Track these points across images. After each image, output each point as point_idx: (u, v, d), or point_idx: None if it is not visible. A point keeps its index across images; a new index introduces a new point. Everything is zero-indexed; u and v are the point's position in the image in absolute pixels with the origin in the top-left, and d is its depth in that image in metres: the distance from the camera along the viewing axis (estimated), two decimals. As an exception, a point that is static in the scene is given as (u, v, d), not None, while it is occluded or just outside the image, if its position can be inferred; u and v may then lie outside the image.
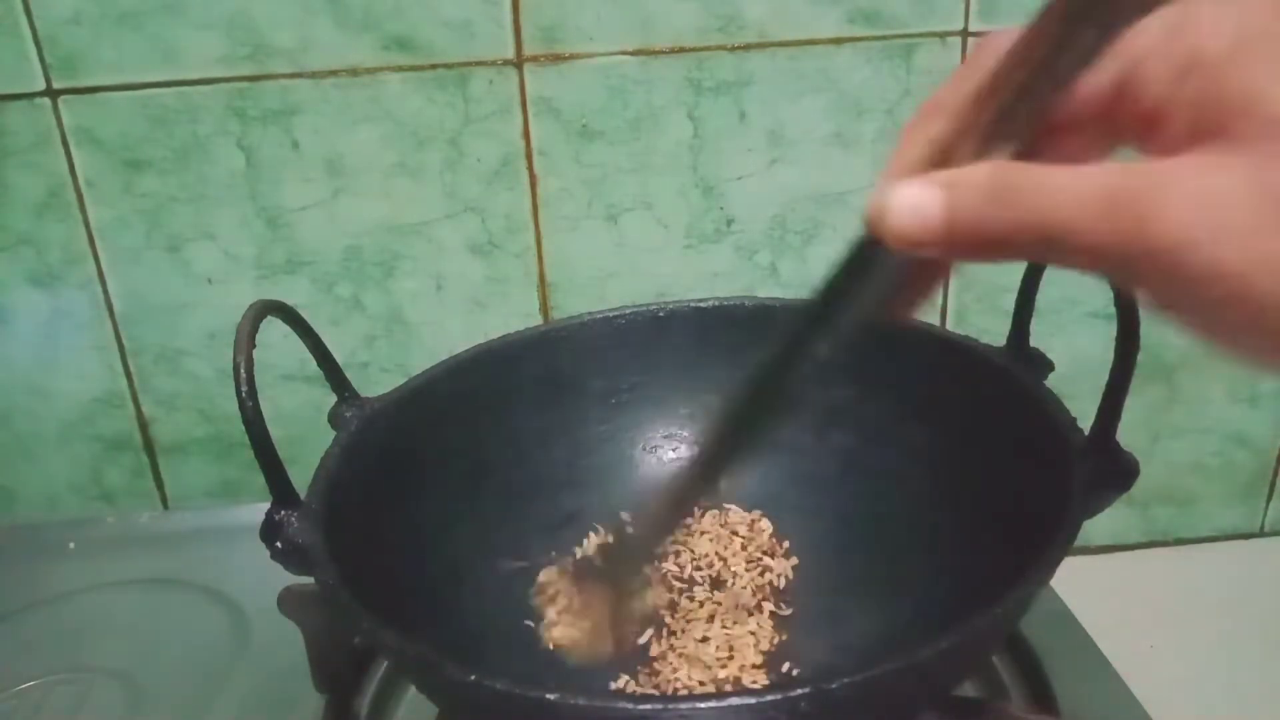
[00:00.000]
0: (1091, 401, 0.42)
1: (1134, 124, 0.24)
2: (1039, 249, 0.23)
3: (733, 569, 0.54)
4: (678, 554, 0.55)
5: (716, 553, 0.55)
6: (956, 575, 0.46)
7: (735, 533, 0.56)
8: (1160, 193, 0.21)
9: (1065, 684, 0.49)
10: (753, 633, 0.51)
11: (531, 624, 0.50)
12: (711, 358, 0.56)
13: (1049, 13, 0.23)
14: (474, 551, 0.51)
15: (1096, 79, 0.24)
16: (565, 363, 0.55)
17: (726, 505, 0.57)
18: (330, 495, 0.43)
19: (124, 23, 0.59)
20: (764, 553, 0.55)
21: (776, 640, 0.51)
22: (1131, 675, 0.50)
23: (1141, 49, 0.24)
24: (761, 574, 0.54)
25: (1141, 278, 0.22)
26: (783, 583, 0.54)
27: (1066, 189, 0.22)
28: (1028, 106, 0.24)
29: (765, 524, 0.56)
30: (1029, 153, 0.24)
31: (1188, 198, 0.21)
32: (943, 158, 0.25)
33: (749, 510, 0.57)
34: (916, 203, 0.24)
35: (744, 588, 0.53)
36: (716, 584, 0.54)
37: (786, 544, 0.55)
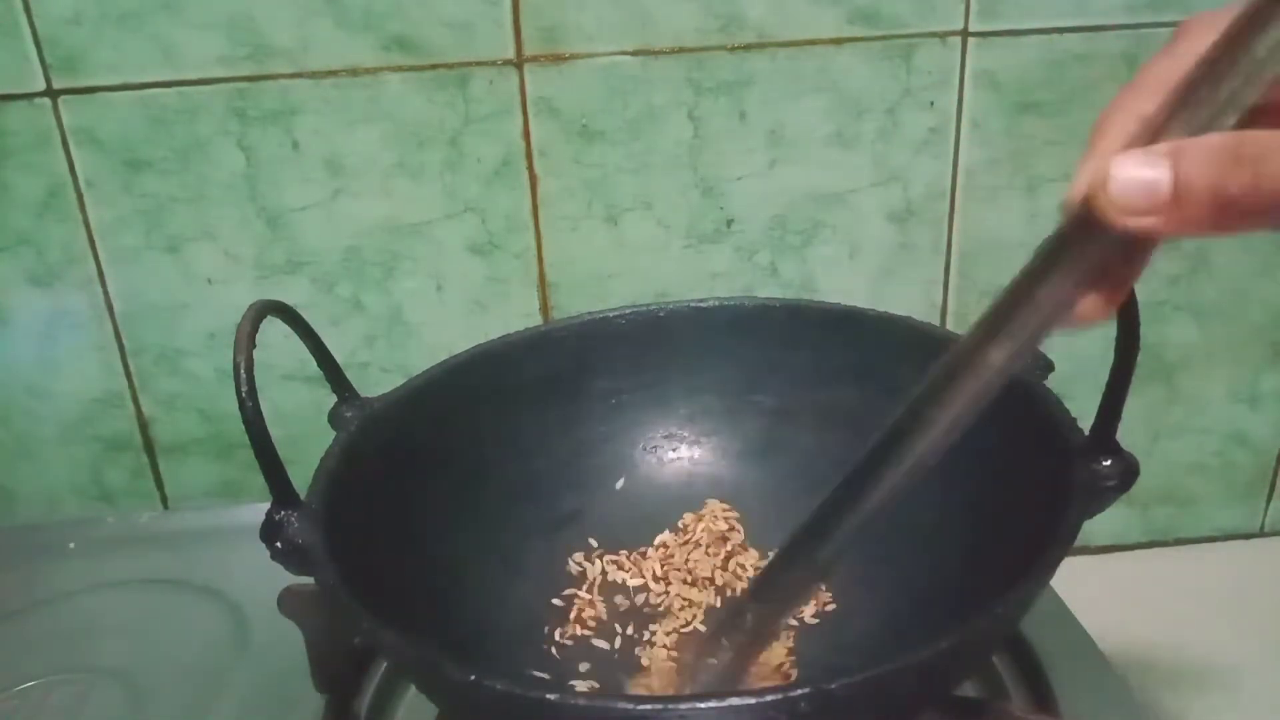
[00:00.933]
0: (1091, 401, 0.42)
1: None
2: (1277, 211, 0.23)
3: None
4: (671, 557, 0.55)
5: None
6: (956, 575, 0.46)
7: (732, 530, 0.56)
8: None
9: (1065, 684, 0.49)
10: None
11: (548, 628, 0.51)
12: (711, 358, 0.57)
13: None
14: (474, 551, 0.50)
15: None
16: (565, 363, 0.55)
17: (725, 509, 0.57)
18: (330, 495, 0.43)
19: (124, 23, 0.59)
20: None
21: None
22: (1131, 675, 0.50)
23: None
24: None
25: None
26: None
27: None
28: (1246, 85, 0.24)
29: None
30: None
31: None
32: (1154, 135, 0.25)
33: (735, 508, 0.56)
34: (1141, 172, 0.24)
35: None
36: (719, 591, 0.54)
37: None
